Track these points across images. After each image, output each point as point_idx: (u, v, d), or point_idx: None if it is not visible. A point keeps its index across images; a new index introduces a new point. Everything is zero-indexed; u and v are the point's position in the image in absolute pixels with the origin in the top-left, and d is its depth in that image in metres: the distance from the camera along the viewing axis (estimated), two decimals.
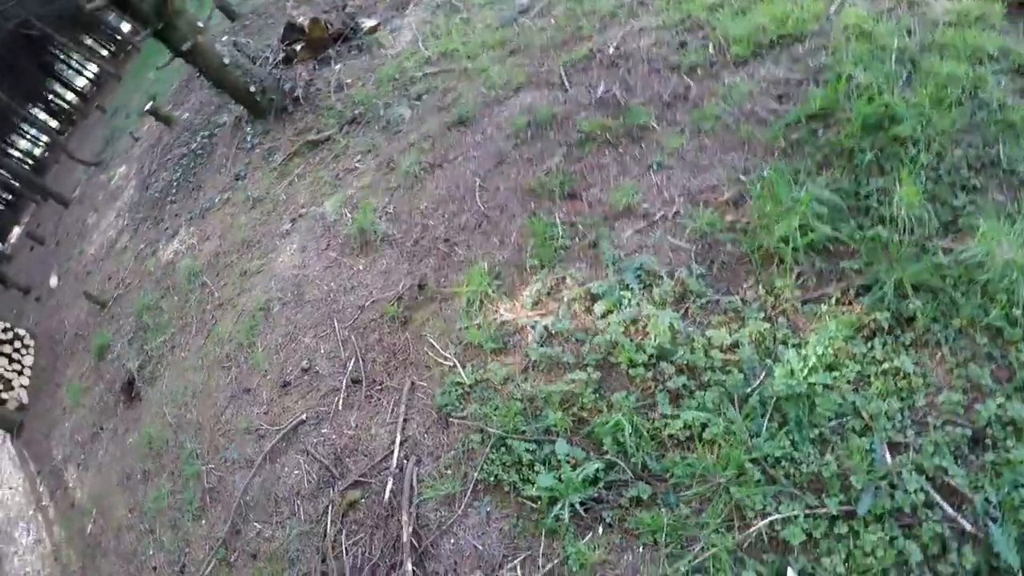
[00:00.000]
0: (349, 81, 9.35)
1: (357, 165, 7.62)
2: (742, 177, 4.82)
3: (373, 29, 10.34)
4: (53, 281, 15.89)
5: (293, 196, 8.14)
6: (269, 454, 5.48)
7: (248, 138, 10.01)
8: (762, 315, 4.09)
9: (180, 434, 6.79)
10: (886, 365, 3.68)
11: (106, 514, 7.54)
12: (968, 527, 3.17)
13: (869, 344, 3.78)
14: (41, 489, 10.11)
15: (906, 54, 4.96)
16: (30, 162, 35.87)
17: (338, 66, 9.82)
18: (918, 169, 4.25)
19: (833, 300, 3.99)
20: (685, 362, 4.06)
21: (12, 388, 13.18)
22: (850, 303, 3.96)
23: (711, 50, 6.05)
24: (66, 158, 24.09)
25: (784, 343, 3.94)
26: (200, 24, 9.47)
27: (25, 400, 12.98)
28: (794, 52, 5.59)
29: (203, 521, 5.85)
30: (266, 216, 8.28)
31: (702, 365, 4.00)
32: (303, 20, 10.35)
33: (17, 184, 29.06)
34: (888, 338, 3.77)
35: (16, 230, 30.07)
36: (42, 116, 36.86)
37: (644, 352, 4.16)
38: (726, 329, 4.10)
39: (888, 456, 3.41)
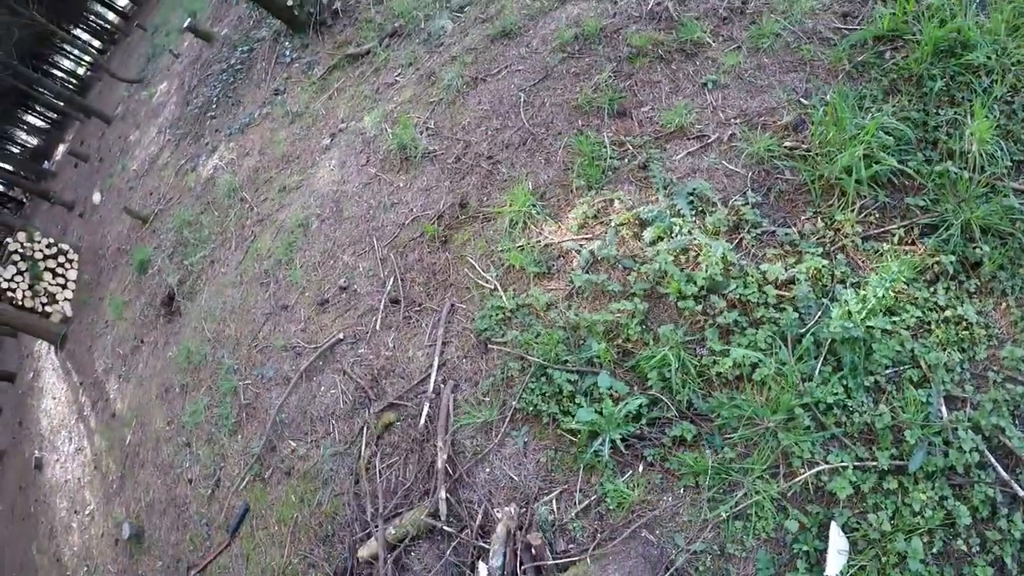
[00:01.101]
0: None
1: (397, 79, 7.35)
2: (803, 100, 4.47)
3: None
4: (96, 197, 15.99)
5: (332, 111, 7.93)
6: (306, 372, 5.42)
7: (287, 52, 9.76)
8: (820, 250, 3.81)
9: (218, 349, 6.78)
10: (948, 312, 3.45)
11: (145, 426, 7.65)
12: (1021, 492, 3.00)
13: (932, 289, 3.55)
14: (83, 399, 10.33)
15: None
16: (73, 82, 35.97)
17: None
18: (991, 101, 3.89)
19: (896, 238, 3.73)
20: (737, 296, 3.81)
21: (56, 302, 13.41)
22: (913, 243, 3.70)
23: None
24: (108, 77, 24.05)
25: (842, 282, 3.69)
26: None
27: (69, 313, 13.21)
28: None
29: (239, 437, 5.86)
30: (305, 131, 8.09)
31: (755, 300, 3.75)
32: None
33: (61, 104, 29.16)
34: (952, 283, 3.54)
35: (60, 148, 30.36)
36: (84, 36, 36.80)
37: (694, 284, 3.91)
38: (782, 263, 3.83)
39: (944, 410, 3.21)
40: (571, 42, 5.99)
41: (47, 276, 13.70)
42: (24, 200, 33.26)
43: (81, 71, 38.15)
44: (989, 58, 4.03)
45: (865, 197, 3.88)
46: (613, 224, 4.49)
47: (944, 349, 3.35)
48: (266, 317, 6.33)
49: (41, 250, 13.97)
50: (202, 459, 6.15)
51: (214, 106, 11.27)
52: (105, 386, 9.74)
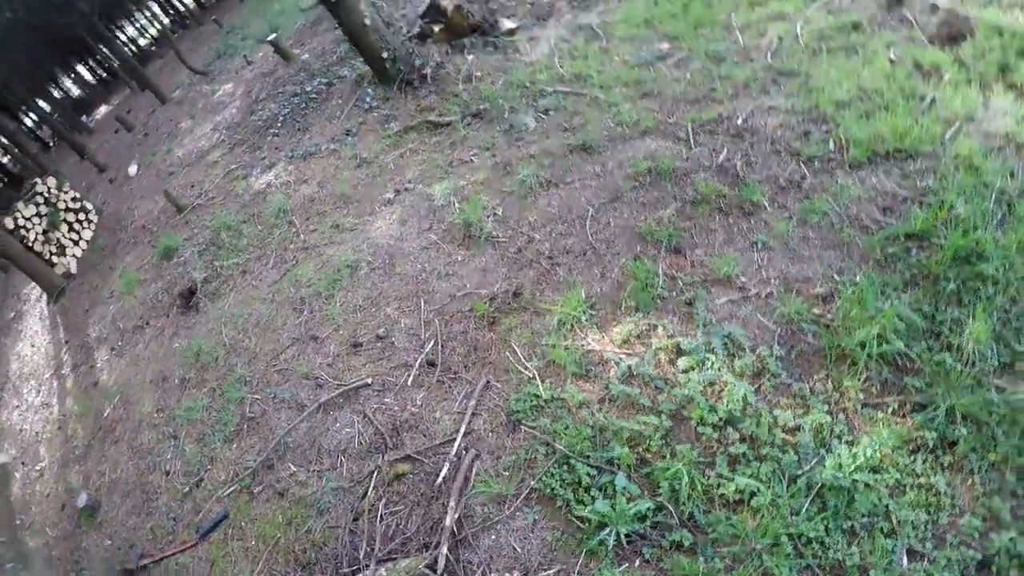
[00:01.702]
0: (479, 75, 9.56)
1: (473, 159, 7.81)
2: (836, 276, 5.06)
3: (511, 32, 10.56)
4: (132, 169, 16.27)
5: (401, 168, 8.36)
6: (324, 404, 5.67)
7: (367, 99, 10.25)
8: (826, 408, 4.37)
9: (232, 357, 7.00)
10: (922, 479, 3.96)
11: (130, 405, 7.77)
12: None
13: (912, 457, 4.07)
14: (64, 358, 10.37)
15: (1005, 196, 5.19)
16: (133, 49, 36.62)
17: (470, 57, 10.05)
18: (992, 308, 4.51)
19: (890, 410, 4.26)
20: (750, 433, 4.34)
21: (64, 255, 13.54)
22: (905, 416, 4.25)
23: (831, 146, 6.24)
24: (172, 58, 24.61)
25: (839, 437, 4.22)
26: None
27: (74, 270, 13.33)
28: (906, 168, 5.80)
29: (234, 445, 6.05)
30: (371, 179, 8.49)
31: (764, 439, 4.28)
32: (447, 3, 10.59)
33: (116, 65, 29.66)
34: (930, 456, 4.05)
35: (103, 109, 30.79)
36: (155, 10, 37.72)
37: (716, 414, 4.44)
38: (792, 412, 4.38)
39: (906, 560, 3.69)
40: (644, 173, 6.54)
41: (63, 227, 13.87)
42: (51, 144, 33.39)
43: (143, 42, 38.94)
44: (998, 270, 4.68)
45: (871, 370, 4.45)
46: (653, 347, 4.98)
47: (914, 509, 3.85)
48: (292, 341, 6.60)
49: (65, 201, 14.18)
50: (187, 456, 6.30)
51: (279, 124, 11.69)
52: (94, 353, 9.83)
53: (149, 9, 36.21)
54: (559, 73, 8.97)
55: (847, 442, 4.15)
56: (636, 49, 9.09)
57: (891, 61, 7.18)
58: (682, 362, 4.78)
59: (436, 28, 10.59)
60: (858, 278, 4.87)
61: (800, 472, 4.07)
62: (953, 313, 4.53)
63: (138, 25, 38.73)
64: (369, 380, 5.64)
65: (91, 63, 37.68)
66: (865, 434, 4.17)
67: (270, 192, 9.58)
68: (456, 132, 8.50)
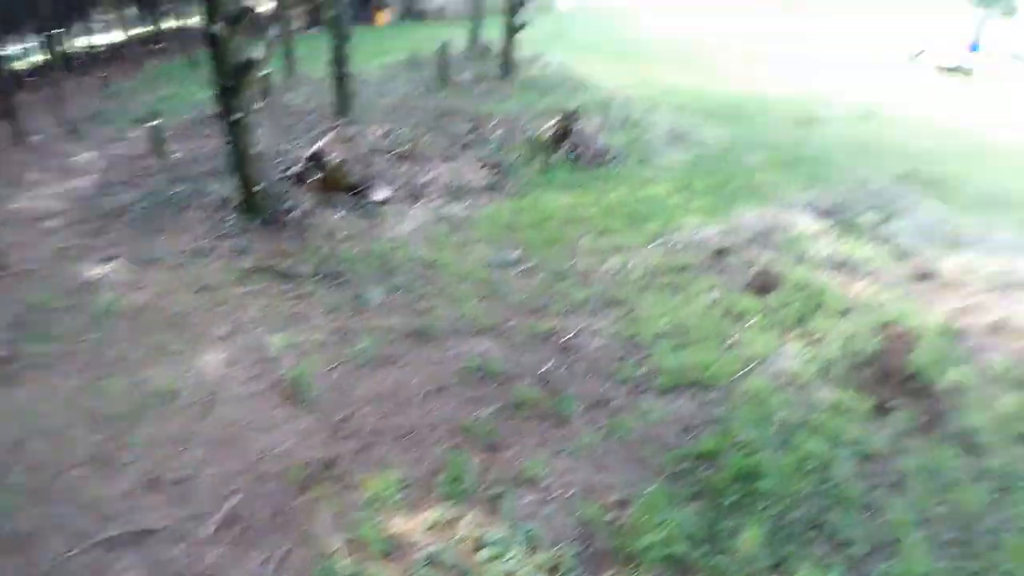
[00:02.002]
0: (341, 236, 10.02)
1: (315, 318, 8.09)
2: (632, 486, 5.69)
3: (382, 202, 11.22)
4: None
5: (244, 307, 8.47)
6: (108, 541, 5.30)
7: (228, 224, 10.39)
8: None
9: (9, 456, 6.47)
10: None
11: None
12: None
13: None
14: None
15: (785, 426, 6.31)
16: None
17: (339, 214, 10.54)
18: (765, 518, 5.30)
19: None
20: None
21: None
22: None
23: (644, 370, 7.17)
24: (49, 95, 23.47)
25: None
26: (259, 104, 10.19)
27: None
28: (704, 397, 6.79)
29: None
30: (209, 308, 8.51)
31: None
32: (332, 157, 11.17)
33: None
34: None
35: None
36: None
37: None
38: None
39: None
40: (475, 370, 7.13)
41: None
42: None
43: (20, 66, 36.73)
44: (773, 487, 5.55)
45: (655, 570, 4.95)
46: (459, 535, 5.27)
47: None
48: (86, 460, 6.21)
49: None
50: None
51: (129, 218, 11.52)
52: None
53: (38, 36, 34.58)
54: (417, 255, 9.59)
55: None
56: (491, 251, 9.94)
57: (707, 304, 8.41)
58: (484, 552, 5.10)
59: (314, 177, 11.06)
60: (651, 488, 5.58)
61: None
62: (731, 522, 5.26)
63: (20, 49, 36.79)
64: (160, 526, 5.49)
65: None
66: None
67: (101, 287, 9.31)
68: (305, 286, 8.79)
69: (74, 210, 12.84)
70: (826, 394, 6.82)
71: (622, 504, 5.54)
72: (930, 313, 8.44)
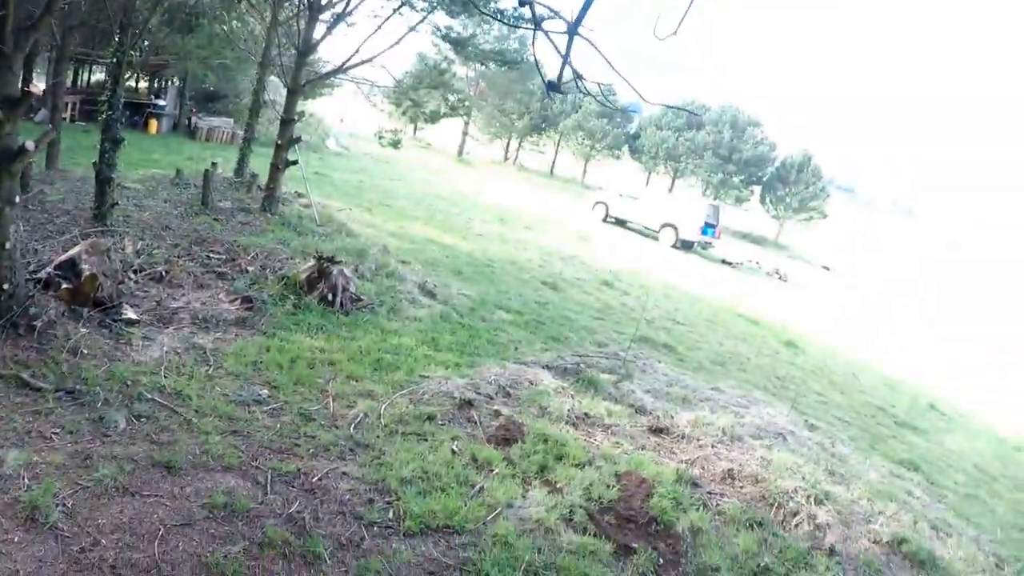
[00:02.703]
0: (85, 351, 9.74)
1: (54, 437, 7.78)
2: None
3: (131, 323, 11.05)
4: None
5: None
6: None
7: None
8: None
9: None
10: None
11: None
12: None
13: None
14: None
15: (532, 567, 7.17)
16: None
17: (84, 330, 10.21)
18: None
19: None
20: None
21: None
22: None
23: (391, 515, 7.65)
24: None
25: None
26: (18, 198, 9.72)
27: None
28: (452, 541, 7.42)
29: None
30: None
31: None
32: (87, 267, 10.91)
33: None
34: None
35: None
36: None
37: None
38: None
39: None
40: (220, 506, 7.28)
41: None
42: None
43: None
44: None
45: None
46: None
47: None
48: None
49: None
50: None
51: None
52: None
53: None
54: (162, 383, 9.58)
55: None
56: (238, 387, 10.16)
57: (453, 452, 9.30)
58: None
59: (64, 285, 10.69)
60: None
61: None
62: None
63: None
64: None
65: None
66: None
67: None
68: (44, 402, 8.41)
69: None
70: (571, 537, 7.94)
71: None
72: (667, 463, 10.05)
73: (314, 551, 6.90)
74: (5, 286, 9.52)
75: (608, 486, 9.08)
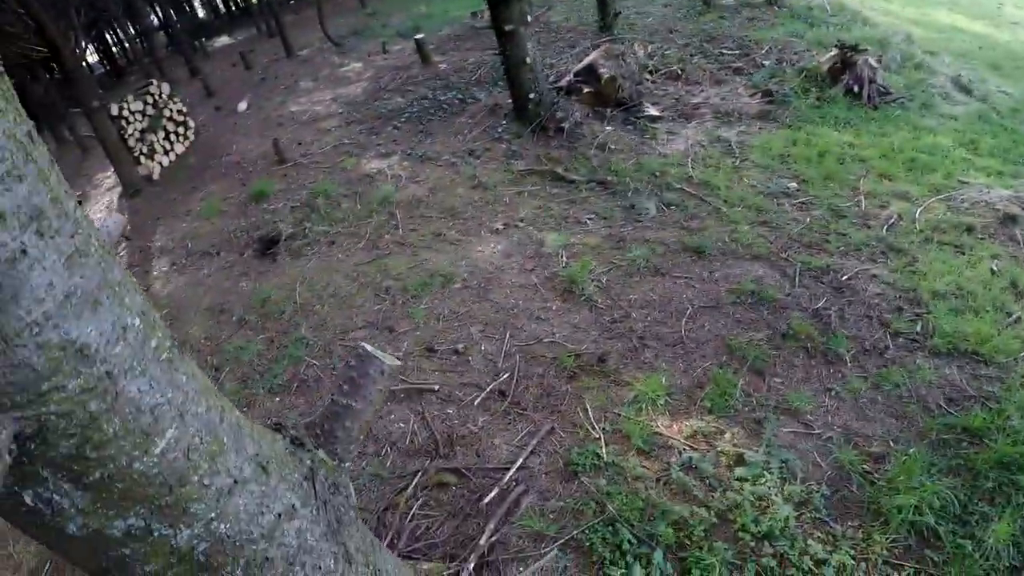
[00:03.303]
0: (612, 147, 9.80)
1: (588, 222, 7.98)
2: (892, 443, 5.20)
3: (653, 119, 10.82)
4: (242, 106, 16.70)
5: (516, 206, 8.54)
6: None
7: (499, 129, 10.53)
8: (851, 553, 4.42)
9: (299, 316, 7.12)
10: None
11: (176, 322, 7.88)
12: None
13: None
14: (121, 252, 10.47)
15: None
16: None
17: (608, 128, 10.30)
18: (1019, 515, 4.58)
19: (906, 573, 4.33)
20: (782, 552, 4.40)
21: (152, 159, 13.85)
22: None
23: (918, 328, 6.39)
24: (309, 17, 25.28)
25: None
26: (529, 18, 10.11)
27: (156, 176, 13.61)
28: (978, 370, 5.94)
29: (278, 399, 6.14)
30: (483, 204, 8.68)
31: (793, 562, 4.34)
32: (604, 71, 10.90)
33: (252, 4, 30.56)
34: None
35: (224, 39, 31.60)
36: None
37: (758, 526, 4.51)
38: (822, 547, 4.44)
39: None
40: (747, 293, 6.71)
41: (160, 133, 14.24)
42: (164, 51, 34.20)
43: None
44: None
45: (900, 533, 4.53)
46: (717, 448, 5.11)
47: None
48: (366, 324, 6.70)
49: (172, 110, 14.59)
50: (226, 389, 6.38)
51: (402, 120, 12.01)
52: (152, 259, 10.01)
53: None
54: (689, 174, 9.18)
55: None
56: (765, 179, 9.30)
57: (992, 271, 7.36)
58: (739, 470, 4.93)
59: (585, 89, 10.89)
60: (911, 451, 5.04)
61: None
62: (984, 508, 4.65)
63: None
64: (437, 387, 5.71)
65: None
66: None
67: (379, 179, 9.79)
68: (577, 192, 8.70)
69: (347, 113, 13.64)
70: None
71: (879, 458, 5.07)
72: None
73: (836, 351, 6.04)
74: (532, 95, 9.94)
75: None
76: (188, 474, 1.70)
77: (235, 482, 1.87)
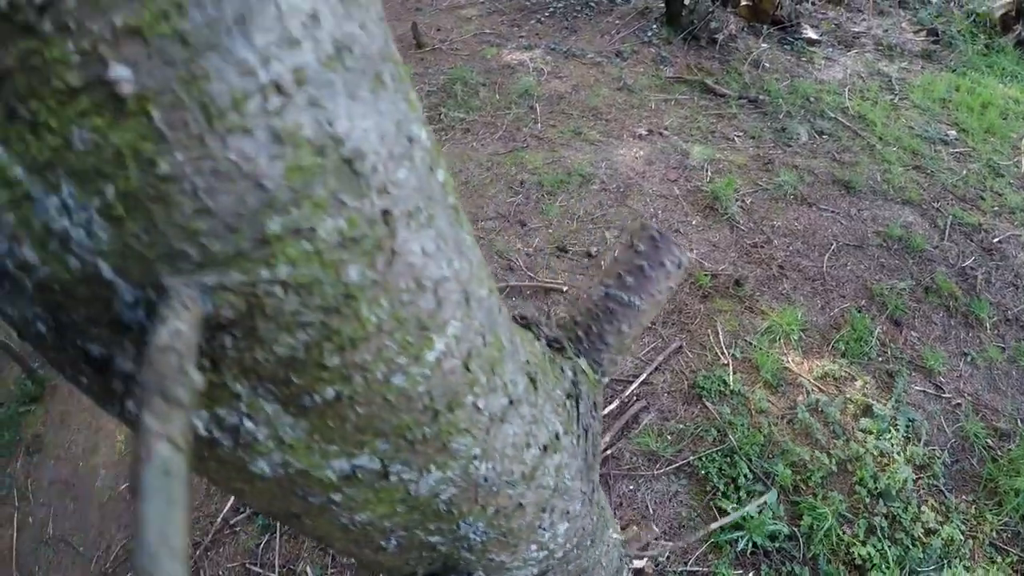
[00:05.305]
0: (767, 65, 9.29)
1: (736, 139, 7.64)
2: (1020, 422, 4.96)
3: (810, 42, 10.19)
4: None
5: (661, 113, 8.23)
6: (511, 288, 5.71)
7: (648, 33, 10.10)
8: (962, 528, 4.30)
9: None
10: None
11: None
12: None
13: None
14: None
15: None
16: None
17: (764, 45, 9.75)
18: None
19: (1009, 560, 4.19)
20: (895, 513, 4.30)
21: None
22: (1018, 574, 4.19)
23: None
24: None
25: (960, 558, 4.18)
26: None
27: None
28: None
29: None
30: (627, 107, 8.40)
31: (904, 526, 4.25)
32: None
33: None
34: None
35: None
36: None
37: (875, 482, 4.42)
38: (935, 515, 4.33)
39: None
40: (894, 239, 6.35)
41: None
42: None
43: None
44: None
45: (1012, 518, 4.38)
46: (846, 394, 4.96)
47: None
48: (497, 216, 6.65)
49: None
50: None
51: (546, 15, 11.66)
52: None
53: None
54: (844, 104, 8.65)
55: (965, 567, 4.12)
56: (924, 122, 8.69)
57: None
58: (865, 421, 4.78)
59: (744, 2, 10.30)
60: None
61: (920, 570, 4.07)
62: None
63: None
64: (565, 288, 5.65)
65: None
66: (983, 568, 4.13)
67: (520, 71, 9.57)
68: (727, 107, 8.32)
69: (489, 3, 13.29)
70: None
71: (1004, 435, 4.85)
72: None
73: (977, 315, 5.73)
74: (686, 1, 9.43)
75: None
76: (462, 393, 0.99)
77: (510, 402, 1.11)
